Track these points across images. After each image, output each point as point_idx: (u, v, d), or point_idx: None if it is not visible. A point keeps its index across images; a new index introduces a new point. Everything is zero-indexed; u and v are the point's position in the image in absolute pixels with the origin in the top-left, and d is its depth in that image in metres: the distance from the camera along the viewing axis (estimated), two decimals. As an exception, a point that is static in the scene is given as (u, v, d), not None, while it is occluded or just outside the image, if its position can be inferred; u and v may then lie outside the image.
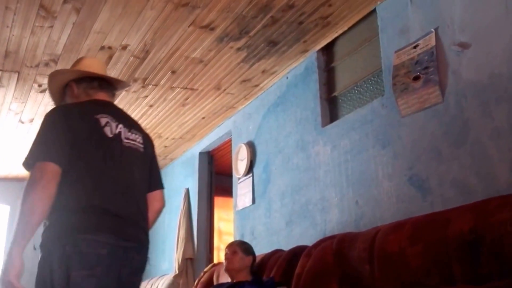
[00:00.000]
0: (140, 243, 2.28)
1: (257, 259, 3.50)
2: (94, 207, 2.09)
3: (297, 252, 3.29)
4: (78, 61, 2.54)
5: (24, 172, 6.56)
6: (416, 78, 2.83)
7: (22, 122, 4.95)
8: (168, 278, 5.47)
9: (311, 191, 3.68)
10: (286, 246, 3.60)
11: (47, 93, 4.31)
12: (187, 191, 5.75)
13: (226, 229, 6.18)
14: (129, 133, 2.33)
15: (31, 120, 4.91)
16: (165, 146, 5.81)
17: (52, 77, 2.46)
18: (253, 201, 4.42)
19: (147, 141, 2.43)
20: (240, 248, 3.39)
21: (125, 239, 2.15)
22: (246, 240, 4.10)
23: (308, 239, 3.43)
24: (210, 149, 5.63)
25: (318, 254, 3.03)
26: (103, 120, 2.24)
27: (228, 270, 3.41)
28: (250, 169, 4.52)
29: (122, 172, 2.23)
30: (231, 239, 4.74)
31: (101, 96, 2.40)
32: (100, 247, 2.05)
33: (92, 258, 2.02)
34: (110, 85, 2.47)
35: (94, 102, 2.36)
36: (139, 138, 2.37)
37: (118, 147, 2.25)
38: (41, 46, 3.56)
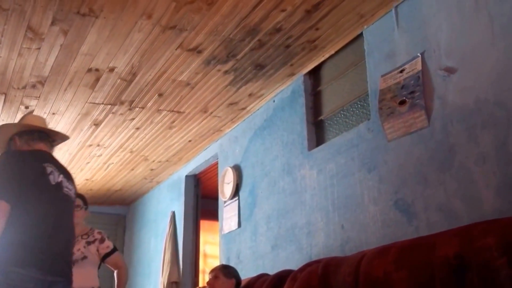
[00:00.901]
0: (67, 278, 2.53)
1: (243, 283, 3.47)
2: (26, 244, 2.33)
3: (283, 276, 3.26)
4: (22, 118, 2.85)
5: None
6: (402, 103, 2.85)
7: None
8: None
9: (297, 215, 3.67)
10: (272, 270, 3.57)
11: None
12: (173, 214, 5.71)
13: (212, 253, 6.14)
14: (67, 183, 2.65)
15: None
16: (151, 169, 5.78)
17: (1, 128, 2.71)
18: (239, 225, 4.39)
19: (75, 190, 2.75)
20: (222, 272, 3.37)
21: (53, 275, 2.38)
22: (232, 263, 4.07)
23: (294, 263, 3.41)
24: (197, 172, 5.61)
25: (303, 278, 3.01)
26: (48, 169, 2.54)
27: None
28: (236, 192, 4.50)
29: (59, 215, 2.53)
30: (217, 263, 4.70)
31: (41, 146, 2.68)
32: (27, 281, 2.27)
33: None
34: (49, 137, 2.76)
35: (38, 152, 2.64)
36: (72, 189, 2.69)
37: (59, 194, 2.56)
38: (28, 68, 3.55)
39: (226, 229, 4.60)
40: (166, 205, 6.00)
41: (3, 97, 3.95)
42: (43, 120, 2.89)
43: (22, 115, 4.22)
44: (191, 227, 5.60)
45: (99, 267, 4.00)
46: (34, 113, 4.18)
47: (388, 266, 2.32)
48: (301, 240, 3.58)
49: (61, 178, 2.60)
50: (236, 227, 4.42)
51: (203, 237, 5.90)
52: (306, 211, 3.57)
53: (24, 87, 3.82)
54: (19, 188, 2.38)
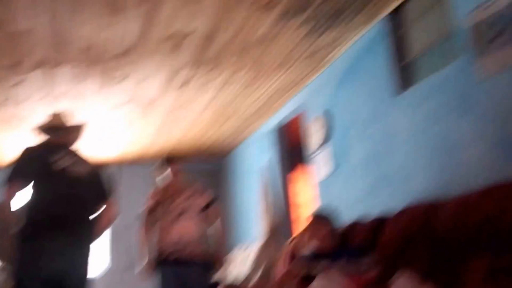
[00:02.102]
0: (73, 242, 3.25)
1: (340, 229, 3.54)
2: (36, 209, 3.24)
3: (383, 219, 3.30)
4: (49, 116, 3.61)
5: (114, 156, 6.90)
6: (497, 37, 2.70)
7: (108, 110, 5.22)
8: (256, 247, 5.63)
9: (392, 160, 3.65)
10: (369, 214, 3.61)
11: (127, 82, 4.51)
12: (264, 166, 5.84)
13: (304, 201, 6.24)
14: (73, 166, 3.37)
15: (116, 107, 5.16)
16: (238, 126, 5.91)
17: (36, 129, 3.59)
18: (330, 173, 4.43)
19: (91, 170, 3.47)
20: (317, 219, 3.44)
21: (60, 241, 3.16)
22: (328, 209, 4.14)
23: (392, 207, 3.42)
24: (284, 123, 5.67)
25: (406, 220, 3.04)
26: (53, 158, 3.32)
27: (311, 243, 3.48)
28: (325, 141, 4.52)
29: (61, 195, 3.30)
30: (311, 210, 4.80)
31: (58, 138, 3.50)
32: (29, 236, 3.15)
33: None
34: (64, 130, 3.54)
35: (51, 144, 3.48)
36: (81, 169, 3.40)
37: (63, 176, 3.32)
38: (116, 39, 3.71)
39: (317, 178, 4.66)
40: (257, 157, 6.14)
41: (98, 68, 4.18)
42: (60, 116, 3.63)
43: (117, 83, 4.48)
44: (282, 178, 5.71)
45: (202, 219, 4.20)
46: (128, 79, 4.46)
47: (492, 208, 2.28)
48: (399, 183, 3.57)
49: (65, 161, 3.36)
50: (328, 175, 4.47)
51: (297, 186, 6.01)
52: (402, 156, 3.55)
53: (115, 57, 4.00)
54: (29, 174, 3.27)
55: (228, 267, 5.89)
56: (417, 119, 3.38)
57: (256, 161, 6.10)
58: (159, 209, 4.17)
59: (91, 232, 3.41)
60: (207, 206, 4.24)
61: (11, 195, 3.17)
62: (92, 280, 3.46)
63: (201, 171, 7.24)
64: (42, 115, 5.13)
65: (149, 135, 6.19)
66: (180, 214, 4.10)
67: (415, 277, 2.69)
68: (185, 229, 4.08)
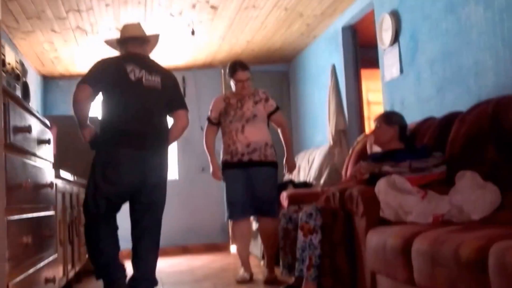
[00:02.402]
0: (151, 149, 3.41)
1: (409, 128, 3.49)
2: (110, 123, 3.39)
3: (451, 118, 3.23)
4: (123, 27, 3.69)
5: (185, 62, 6.99)
6: None
7: (172, 15, 5.20)
8: (323, 149, 5.69)
9: (463, 56, 3.50)
10: (438, 113, 3.53)
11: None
12: (333, 66, 5.75)
13: (375, 100, 6.14)
14: (149, 76, 3.46)
15: (180, 13, 5.13)
16: (307, 24, 5.77)
17: (106, 43, 3.78)
18: (401, 71, 4.32)
19: (166, 79, 3.56)
20: (384, 121, 3.40)
21: (124, 147, 3.34)
22: (396, 110, 4.08)
23: (462, 105, 3.32)
24: (353, 22, 5.49)
25: (473, 119, 2.97)
26: (129, 68, 3.40)
27: (376, 143, 3.48)
28: (395, 38, 4.37)
29: (139, 102, 3.41)
30: (381, 109, 4.74)
31: (133, 49, 3.55)
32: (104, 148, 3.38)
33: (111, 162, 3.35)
34: (141, 40, 3.60)
35: (126, 55, 3.55)
36: (157, 79, 3.49)
37: (140, 86, 3.40)
38: None
39: (388, 77, 4.56)
40: (326, 58, 6.04)
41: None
42: (136, 27, 3.67)
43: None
44: (352, 77, 5.63)
45: (268, 125, 4.33)
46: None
47: None
48: (469, 81, 3.45)
49: (142, 73, 3.43)
50: (398, 73, 4.36)
51: (365, 85, 5.91)
52: (473, 51, 3.39)
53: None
54: (104, 83, 3.38)
55: (297, 170, 6.01)
56: (493, 12, 3.17)
57: (326, 61, 6.00)
58: (228, 113, 4.25)
59: (166, 143, 3.56)
60: (272, 113, 4.31)
61: (76, 98, 3.31)
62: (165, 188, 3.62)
63: (270, 73, 7.24)
64: (109, 24, 5.24)
65: (216, 40, 6.17)
66: (249, 120, 4.18)
67: (477, 176, 2.66)
68: (254, 134, 4.18)
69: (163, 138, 3.53)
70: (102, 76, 3.41)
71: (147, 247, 3.48)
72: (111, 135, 3.38)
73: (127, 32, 3.62)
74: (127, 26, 3.70)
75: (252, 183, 4.17)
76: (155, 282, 3.55)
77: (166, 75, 3.61)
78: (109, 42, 3.76)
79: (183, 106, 3.65)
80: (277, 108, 4.37)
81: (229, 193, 4.28)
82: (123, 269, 3.45)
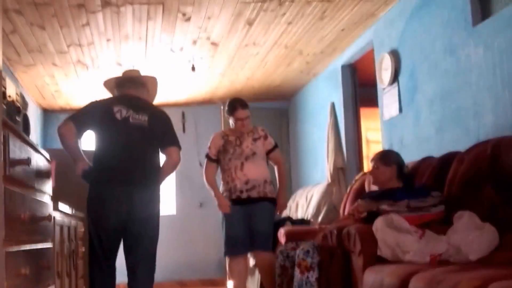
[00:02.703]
0: (138, 185, 3.48)
1: (408, 167, 3.51)
2: (98, 161, 3.54)
3: (449, 158, 3.25)
4: (122, 73, 3.90)
5: (185, 97, 7.05)
6: None
7: (173, 51, 5.27)
8: (322, 187, 5.69)
9: (462, 96, 3.54)
10: (437, 153, 3.55)
11: (191, 22, 4.54)
12: (333, 104, 5.80)
13: (374, 138, 6.19)
14: (136, 115, 3.56)
15: (181, 49, 5.20)
16: (307, 62, 5.85)
17: (104, 84, 3.92)
18: (400, 110, 4.36)
19: (154, 117, 3.63)
20: (380, 162, 3.41)
21: (112, 184, 3.47)
22: (395, 149, 4.10)
23: (461, 145, 3.34)
24: (353, 61, 5.57)
25: (471, 159, 2.98)
26: (116, 109, 3.55)
27: (375, 184, 3.49)
28: (395, 78, 4.42)
29: (125, 140, 3.52)
30: (379, 148, 4.77)
31: (129, 92, 3.70)
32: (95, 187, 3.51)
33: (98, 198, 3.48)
34: (137, 82, 3.76)
35: (117, 97, 3.75)
36: (144, 117, 3.58)
37: (126, 124, 3.52)
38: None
39: (387, 116, 4.60)
40: (325, 96, 6.09)
41: (161, 7, 4.20)
42: (133, 71, 3.93)
43: (181, 22, 4.51)
44: (351, 115, 5.67)
45: (267, 162, 4.35)
46: (192, 19, 4.47)
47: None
48: (468, 121, 3.47)
49: (129, 113, 3.56)
50: (397, 112, 4.39)
51: (364, 124, 5.95)
52: (473, 92, 3.42)
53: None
54: (91, 123, 3.56)
55: (294, 206, 6.00)
56: (493, 52, 3.22)
57: (325, 99, 6.05)
58: (227, 150, 4.26)
59: (154, 179, 3.61)
60: (270, 151, 4.34)
61: (59, 131, 3.52)
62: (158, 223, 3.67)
63: (269, 110, 7.30)
64: (109, 59, 5.32)
65: (216, 76, 6.24)
66: (248, 157, 4.19)
67: (475, 217, 2.66)
68: (253, 171, 4.18)
69: (151, 174, 3.60)
70: (88, 116, 3.60)
71: (142, 280, 3.53)
72: (98, 171, 3.53)
73: (123, 75, 3.85)
74: (125, 71, 3.92)
75: (251, 219, 4.16)
76: None
77: (155, 113, 3.70)
78: (106, 84, 3.91)
79: (174, 143, 3.71)
80: (275, 146, 4.39)
81: (227, 229, 4.27)
82: None
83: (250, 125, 4.33)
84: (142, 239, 3.53)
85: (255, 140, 4.27)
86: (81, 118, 3.59)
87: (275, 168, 4.45)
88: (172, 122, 3.83)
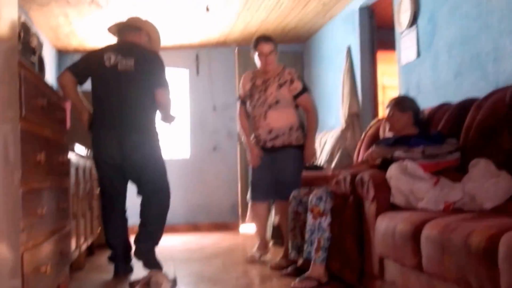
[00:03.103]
0: (119, 127, 3.70)
1: (424, 113, 3.46)
2: (94, 108, 3.81)
3: (467, 105, 3.20)
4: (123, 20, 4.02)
5: (198, 39, 6.96)
6: None
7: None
8: (336, 132, 5.67)
9: (482, 41, 3.44)
10: (455, 99, 3.49)
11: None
12: (349, 48, 5.70)
13: (390, 84, 6.10)
14: (124, 60, 3.75)
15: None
16: (323, 4, 5.71)
17: (108, 30, 4.08)
18: (418, 55, 4.27)
19: (141, 61, 3.77)
20: (395, 108, 3.36)
21: (107, 127, 3.74)
22: (411, 94, 4.04)
23: (479, 92, 3.28)
24: (370, 3, 5.42)
25: (489, 106, 2.93)
26: (106, 56, 3.76)
27: (392, 131, 3.45)
28: (413, 21, 4.30)
29: (113, 86, 3.74)
30: (395, 94, 4.70)
31: (127, 37, 3.93)
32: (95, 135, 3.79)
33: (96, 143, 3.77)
34: (134, 28, 3.94)
35: (110, 45, 3.95)
36: (130, 62, 3.74)
37: (114, 71, 3.73)
38: None
39: (404, 60, 4.51)
40: (341, 39, 5.98)
41: None
42: (134, 18, 4.00)
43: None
44: (368, 59, 5.57)
45: (297, 106, 4.18)
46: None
47: None
48: (487, 67, 3.40)
49: (117, 59, 3.75)
50: (415, 57, 4.31)
51: (380, 69, 5.85)
52: (493, 36, 3.33)
53: None
54: (86, 72, 3.80)
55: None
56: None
57: (341, 42, 5.94)
58: (253, 96, 4.17)
59: (144, 122, 3.81)
60: (297, 96, 4.12)
61: (59, 82, 3.79)
62: (160, 165, 3.90)
63: (284, 54, 7.17)
64: (123, 0, 5.23)
65: (230, 18, 6.11)
66: (271, 106, 4.06)
67: (491, 165, 2.64)
68: (276, 120, 4.05)
69: (141, 118, 3.78)
70: (84, 65, 3.82)
71: (150, 217, 3.84)
72: (94, 118, 3.80)
73: (122, 22, 3.99)
74: (128, 18, 4.02)
75: (276, 167, 4.12)
76: (155, 242, 3.87)
77: (143, 57, 3.82)
78: (110, 30, 4.05)
79: (159, 84, 3.82)
80: (303, 90, 4.12)
81: (252, 175, 4.28)
82: (127, 246, 3.93)
83: (275, 63, 4.17)
84: (141, 180, 3.81)
85: (280, 86, 4.08)
86: (78, 67, 3.80)
87: (305, 114, 4.23)
88: (163, 64, 3.92)
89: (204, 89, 7.29)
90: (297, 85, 4.09)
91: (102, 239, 4.85)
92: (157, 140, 3.89)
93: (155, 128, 3.88)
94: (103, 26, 5.96)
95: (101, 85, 3.79)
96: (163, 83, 3.84)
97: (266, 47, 4.09)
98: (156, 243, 3.90)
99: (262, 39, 4.14)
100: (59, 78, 3.79)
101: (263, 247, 4.38)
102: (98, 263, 4.36)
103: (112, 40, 4.09)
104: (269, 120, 4.06)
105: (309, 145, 4.15)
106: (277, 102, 4.04)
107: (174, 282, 2.26)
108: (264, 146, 4.14)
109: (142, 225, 3.86)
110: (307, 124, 4.18)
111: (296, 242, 3.61)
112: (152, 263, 3.80)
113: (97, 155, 3.80)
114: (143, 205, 3.88)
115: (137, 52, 3.82)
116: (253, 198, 4.27)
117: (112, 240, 3.86)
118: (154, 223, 3.85)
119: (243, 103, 4.29)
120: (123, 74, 3.74)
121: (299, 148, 4.10)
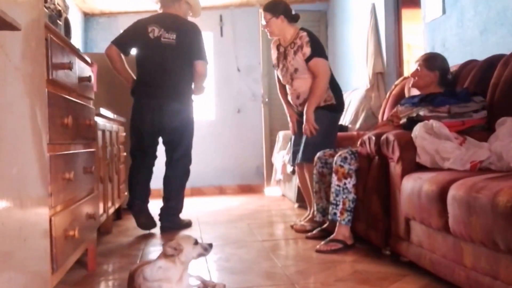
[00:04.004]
0: (167, 98, 4.10)
1: (448, 72, 3.40)
2: (137, 77, 4.23)
3: (493, 61, 3.13)
4: None
5: (223, 1, 6.89)
6: None
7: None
8: (360, 92, 5.62)
9: (510, -4, 3.35)
10: (481, 56, 3.42)
11: None
12: (373, 6, 5.59)
13: (415, 42, 5.98)
14: (167, 33, 4.09)
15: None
16: (347, -39, 5.58)
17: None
18: (443, 11, 4.17)
19: (182, 35, 4.11)
20: (423, 64, 3.30)
21: (149, 98, 4.13)
22: (437, 52, 3.96)
23: (506, 48, 3.21)
24: (395, -41, 5.29)
25: (516, 64, 2.87)
26: (150, 28, 4.11)
27: (415, 86, 3.40)
28: (440, -24, 4.19)
29: (156, 58, 4.09)
30: (421, 53, 4.62)
31: (166, 9, 4.23)
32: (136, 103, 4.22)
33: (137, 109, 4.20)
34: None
35: (153, 16, 4.22)
36: (173, 36, 4.09)
37: (158, 43, 4.08)
38: None
39: (429, 17, 4.41)
40: (366, -3, 5.87)
41: None
42: None
43: None
44: (392, 17, 5.46)
45: None
46: None
47: None
48: (515, 23, 3.31)
49: (160, 32, 4.09)
50: (440, 14, 4.20)
51: (405, 27, 5.73)
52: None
53: None
54: (131, 42, 4.18)
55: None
56: None
57: (366, 1, 5.82)
58: (278, 65, 4.11)
59: (183, 92, 4.17)
60: (306, 61, 3.93)
61: (106, 55, 4.14)
62: (191, 131, 4.31)
63: (308, 13, 7.10)
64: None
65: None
66: (292, 74, 3.97)
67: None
68: (301, 85, 3.93)
69: (180, 88, 4.15)
70: (128, 36, 4.17)
71: (174, 176, 4.24)
72: (137, 86, 4.18)
73: None
74: None
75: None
76: (177, 208, 4.25)
77: (183, 30, 4.13)
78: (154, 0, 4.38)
79: (199, 57, 4.14)
80: (312, 55, 3.90)
81: (293, 141, 4.26)
82: (146, 196, 4.25)
83: (276, 31, 4.01)
84: (174, 144, 4.22)
85: (295, 53, 3.97)
86: (122, 39, 4.16)
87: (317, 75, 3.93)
88: (201, 36, 4.22)
89: (228, 50, 7.25)
90: (306, 50, 3.91)
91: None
92: (192, 108, 4.28)
93: (191, 96, 4.26)
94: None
95: (145, 55, 4.14)
96: (202, 56, 4.17)
97: (264, 17, 4.02)
98: (179, 213, 4.29)
99: (263, 8, 4.06)
100: (106, 52, 4.13)
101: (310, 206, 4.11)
102: (125, 227, 4.45)
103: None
104: (295, 86, 4.00)
105: (307, 115, 3.88)
106: (295, 70, 3.96)
107: (210, 245, 2.31)
108: (297, 112, 4.12)
109: (165, 199, 4.25)
110: (311, 88, 3.91)
111: (321, 205, 3.62)
112: (178, 227, 4.21)
113: (137, 121, 4.18)
114: (169, 167, 4.27)
115: (178, 26, 4.14)
116: (292, 162, 4.23)
117: (139, 192, 4.22)
118: (175, 196, 4.24)
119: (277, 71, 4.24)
120: (166, 47, 4.08)
121: (327, 108, 3.95)
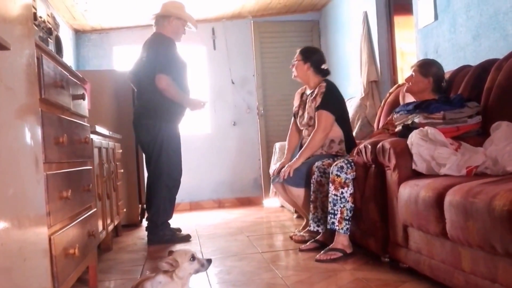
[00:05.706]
0: (140, 116, 4.34)
1: (442, 78, 3.41)
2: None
3: (486, 66, 3.15)
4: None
5: (214, 13, 6.92)
6: None
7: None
8: (355, 101, 5.63)
9: (501, 2, 3.37)
10: (474, 61, 3.44)
11: None
12: (365, 14, 5.62)
13: (409, 50, 6.01)
14: (144, 53, 4.31)
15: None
16: (338, -30, 5.62)
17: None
18: (436, 17, 4.19)
19: (148, 51, 4.27)
20: (418, 70, 3.33)
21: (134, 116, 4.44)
22: (431, 57, 3.98)
23: (499, 53, 3.23)
24: (385, -33, 5.33)
25: (509, 66, 2.89)
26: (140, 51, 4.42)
27: (408, 92, 3.42)
28: (430, -17, 4.22)
29: (136, 78, 4.40)
30: (414, 60, 4.64)
31: (154, 29, 4.45)
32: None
33: None
34: (157, 18, 4.43)
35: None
36: (144, 54, 4.30)
37: (139, 64, 4.37)
38: None
39: (421, 24, 4.43)
40: (357, 5, 5.89)
41: None
42: (162, 7, 4.39)
43: None
44: (384, 24, 5.49)
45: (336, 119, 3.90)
46: None
47: None
48: (506, 26, 3.33)
49: (142, 53, 4.37)
50: (433, 20, 4.23)
51: (398, 34, 5.76)
52: (511, -5, 3.26)
53: None
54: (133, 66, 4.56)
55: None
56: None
57: (358, 8, 5.85)
58: (299, 113, 4.12)
59: (151, 109, 4.25)
60: (315, 111, 3.90)
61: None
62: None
63: (300, 23, 7.14)
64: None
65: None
66: (309, 124, 3.95)
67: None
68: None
69: (151, 104, 4.25)
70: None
71: (154, 190, 4.33)
72: (175, 111, 4.40)
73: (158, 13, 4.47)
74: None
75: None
76: (152, 223, 4.30)
77: (149, 47, 4.30)
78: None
79: (157, 70, 4.15)
80: (318, 107, 3.85)
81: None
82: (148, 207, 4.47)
83: (300, 75, 4.02)
84: (149, 159, 4.37)
85: (312, 101, 3.95)
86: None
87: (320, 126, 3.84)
88: (164, 46, 4.25)
89: (222, 63, 7.26)
90: (317, 101, 3.88)
91: (127, 219, 4.98)
92: (169, 123, 4.36)
93: (169, 112, 4.35)
94: (118, 5, 5.96)
95: (135, 77, 4.47)
96: (160, 69, 4.17)
97: (296, 56, 4.04)
98: (162, 226, 4.33)
99: (300, 48, 4.08)
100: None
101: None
102: (125, 243, 4.43)
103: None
104: (310, 134, 3.90)
105: (294, 162, 3.83)
106: (310, 118, 3.94)
107: (208, 261, 2.29)
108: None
109: (149, 218, 4.40)
110: (307, 141, 3.87)
111: (316, 215, 3.62)
112: (163, 241, 4.23)
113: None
114: (148, 181, 4.45)
115: (148, 42, 4.40)
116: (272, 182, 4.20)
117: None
118: (155, 211, 4.31)
119: (294, 117, 4.22)
120: (140, 66, 4.39)
121: (336, 156, 3.84)
